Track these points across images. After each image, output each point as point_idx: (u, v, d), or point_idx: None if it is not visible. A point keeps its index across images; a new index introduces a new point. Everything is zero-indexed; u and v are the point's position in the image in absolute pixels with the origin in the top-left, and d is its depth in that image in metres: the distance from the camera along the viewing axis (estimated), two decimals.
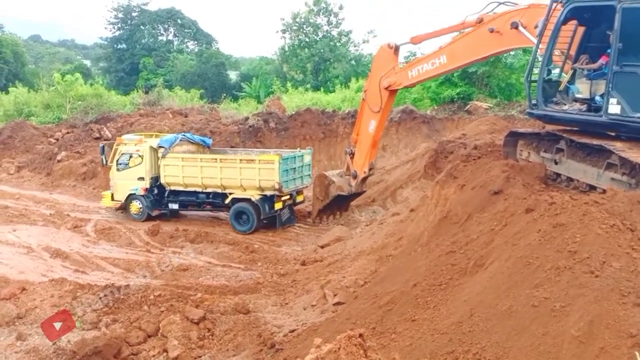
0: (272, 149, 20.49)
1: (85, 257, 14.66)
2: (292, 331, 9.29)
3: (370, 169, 16.01)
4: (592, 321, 5.00)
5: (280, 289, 12.04)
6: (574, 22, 9.85)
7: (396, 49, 14.43)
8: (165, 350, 9.15)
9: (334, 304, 9.96)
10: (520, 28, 10.64)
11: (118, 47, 59.88)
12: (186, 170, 17.85)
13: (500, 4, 11.46)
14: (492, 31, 11.29)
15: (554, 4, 9.34)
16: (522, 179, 8.71)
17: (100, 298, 11.23)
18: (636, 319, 4.88)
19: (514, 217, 7.47)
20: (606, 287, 5.30)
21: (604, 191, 7.54)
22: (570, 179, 9.29)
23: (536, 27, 10.10)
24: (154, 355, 9.14)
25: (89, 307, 10.88)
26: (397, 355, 4.75)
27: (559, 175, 9.62)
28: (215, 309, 10.48)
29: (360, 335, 4.37)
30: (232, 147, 22.61)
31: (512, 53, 25.15)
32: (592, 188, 8.56)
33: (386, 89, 14.35)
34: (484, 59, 14.08)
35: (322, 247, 14.87)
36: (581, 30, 10.07)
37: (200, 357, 9.09)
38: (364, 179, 16.38)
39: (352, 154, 16.39)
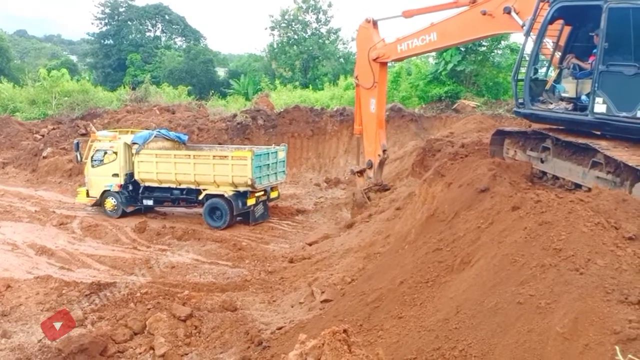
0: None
1: (71, 255, 14.53)
2: (280, 328, 9.28)
3: (384, 151, 15.33)
4: (576, 318, 5.05)
5: (267, 287, 12.03)
6: (561, 21, 9.93)
7: (374, 23, 14.44)
8: (152, 348, 9.10)
9: (321, 302, 9.96)
10: (513, 13, 10.63)
11: (105, 42, 59.24)
12: (160, 167, 17.87)
13: None
14: (484, 13, 11.25)
15: (541, 3, 9.41)
16: (508, 177, 8.76)
17: (86, 295, 11.15)
18: (620, 316, 4.93)
19: (500, 215, 7.52)
20: (591, 284, 5.35)
21: (589, 189, 7.62)
22: (556, 177, 9.37)
23: (523, 25, 10.16)
24: (140, 353, 9.08)
25: (74, 304, 10.80)
26: (381, 351, 4.77)
27: (545, 173, 9.69)
28: (203, 307, 10.44)
29: (345, 331, 4.38)
30: (220, 144, 22.54)
31: (499, 52, 25.34)
32: (578, 186, 8.64)
33: (375, 60, 14.23)
34: (475, 40, 13.86)
35: (310, 244, 14.87)
36: (567, 29, 10.15)
37: (187, 354, 9.05)
38: (382, 164, 15.59)
39: (360, 171, 15.82)
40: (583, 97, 9.07)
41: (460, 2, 12.14)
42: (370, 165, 15.43)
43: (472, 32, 12.25)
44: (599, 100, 8.48)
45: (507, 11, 10.71)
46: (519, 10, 10.58)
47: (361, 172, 15.75)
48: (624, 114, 8.18)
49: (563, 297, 5.37)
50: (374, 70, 14.36)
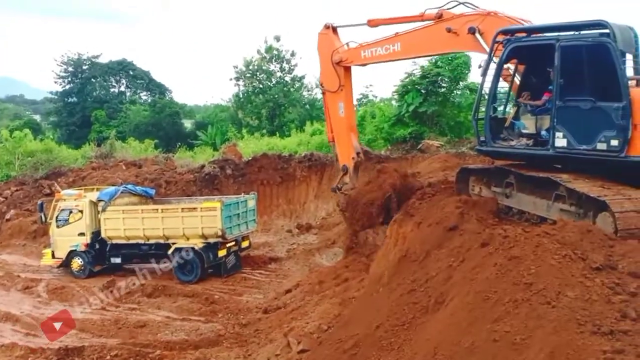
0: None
1: (37, 320, 13.97)
2: None
3: (357, 154, 14.71)
4: (552, 352, 5.05)
5: (242, 340, 11.74)
6: (515, 60, 10.32)
7: (334, 29, 14.42)
8: None
9: (298, 352, 9.75)
10: (477, 35, 10.78)
11: (69, 100, 58.93)
12: (127, 223, 17.57)
13: (460, 3, 11.57)
14: (449, 31, 11.33)
15: (495, 44, 9.76)
16: (475, 214, 8.87)
17: None
18: (594, 348, 4.95)
19: (471, 252, 7.57)
20: (563, 317, 5.38)
21: (555, 222, 7.75)
22: (521, 212, 9.53)
23: (480, 66, 10.42)
24: None
25: None
26: None
27: (510, 208, 9.85)
28: None
29: None
30: (188, 196, 22.32)
31: (459, 92, 26.05)
32: (543, 220, 8.78)
33: (338, 64, 14.05)
34: (437, 55, 13.52)
35: (284, 293, 14.64)
36: (521, 68, 10.54)
37: None
38: (357, 167, 14.81)
39: (340, 188, 15.04)
40: (543, 133, 9.35)
41: (426, 16, 12.21)
42: (345, 171, 14.84)
43: (435, 47, 12.37)
44: (559, 134, 8.74)
45: (472, 32, 10.86)
46: (483, 31, 10.74)
47: (341, 189, 15.05)
48: (584, 146, 8.44)
49: (537, 332, 5.37)
50: (338, 74, 14.16)
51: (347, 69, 14.39)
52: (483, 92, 10.20)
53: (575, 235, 6.68)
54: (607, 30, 8.28)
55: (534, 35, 9.74)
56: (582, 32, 8.88)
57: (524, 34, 9.79)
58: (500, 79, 10.12)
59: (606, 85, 8.29)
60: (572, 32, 9.02)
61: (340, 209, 15.46)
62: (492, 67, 9.82)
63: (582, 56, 8.50)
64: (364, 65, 14.64)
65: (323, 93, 15.12)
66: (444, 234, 8.60)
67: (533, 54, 9.80)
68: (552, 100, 8.96)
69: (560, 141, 8.74)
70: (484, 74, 10.01)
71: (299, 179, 25.50)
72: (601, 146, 8.28)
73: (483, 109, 10.16)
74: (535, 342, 5.28)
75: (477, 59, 11.85)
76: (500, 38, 9.74)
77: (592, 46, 8.45)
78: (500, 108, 10.70)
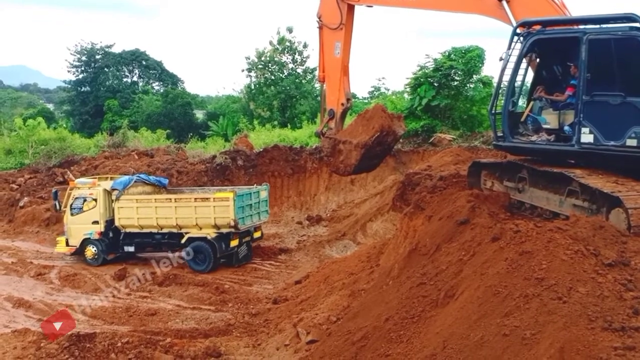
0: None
1: (49, 306, 14.18)
2: None
3: (348, 100, 13.55)
4: (562, 348, 5.03)
5: (252, 330, 11.82)
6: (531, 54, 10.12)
7: None
8: None
9: (307, 343, 9.82)
10: (504, 3, 10.04)
11: (82, 89, 59.30)
12: (141, 212, 17.73)
13: None
14: None
15: (515, 37, 9.52)
16: (487, 208, 8.81)
17: (65, 347, 10.81)
18: (605, 344, 4.94)
19: (481, 246, 7.54)
20: (574, 312, 5.36)
21: (567, 217, 7.69)
22: (533, 207, 9.46)
23: (501, 59, 10.11)
24: None
25: (53, 358, 10.46)
26: None
27: (522, 203, 9.77)
28: (185, 354, 10.20)
29: None
30: (200, 186, 22.44)
31: (472, 85, 25.83)
32: (556, 215, 8.72)
33: (343, 0, 12.94)
34: (455, 12, 12.34)
35: (294, 284, 14.71)
36: (535, 61, 10.36)
37: None
38: (344, 114, 13.71)
39: (324, 133, 13.89)
40: (566, 128, 9.12)
41: None
42: (332, 115, 13.66)
43: (454, 5, 11.42)
44: (585, 130, 8.54)
45: None
46: (510, 0, 10.00)
47: (325, 134, 13.93)
48: (612, 143, 8.29)
49: (548, 327, 5.36)
50: (341, 10, 12.99)
51: (351, 8, 13.18)
52: (502, 86, 9.96)
53: (588, 231, 6.63)
54: (637, 24, 8.11)
55: (557, 27, 9.35)
56: (609, 25, 8.67)
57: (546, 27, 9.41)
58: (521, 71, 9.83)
59: (636, 79, 8.13)
60: (597, 25, 8.80)
61: (325, 155, 14.63)
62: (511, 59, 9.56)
63: (611, 50, 8.29)
64: (371, 6, 13.43)
65: (320, 27, 13.68)
66: (455, 228, 8.56)
67: (555, 47, 9.53)
68: (576, 95, 8.80)
69: (587, 137, 8.52)
70: (504, 67, 9.59)
71: (310, 171, 25.53)
72: (631, 142, 8.09)
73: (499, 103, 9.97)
74: (545, 337, 5.28)
75: (491, 51, 11.44)
76: (520, 30, 9.37)
77: (622, 40, 8.20)
78: (520, 103, 10.53)
